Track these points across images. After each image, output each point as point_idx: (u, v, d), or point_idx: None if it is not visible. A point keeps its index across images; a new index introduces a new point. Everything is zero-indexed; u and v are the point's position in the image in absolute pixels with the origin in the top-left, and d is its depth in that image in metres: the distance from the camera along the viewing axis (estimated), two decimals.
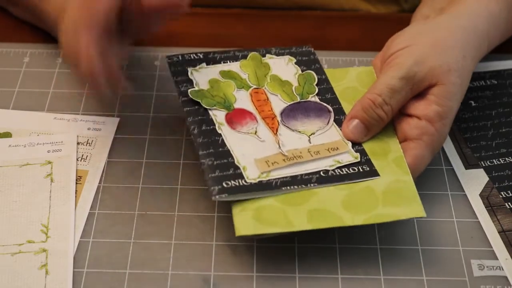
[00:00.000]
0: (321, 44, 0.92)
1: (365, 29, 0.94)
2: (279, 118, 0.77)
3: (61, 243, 0.72)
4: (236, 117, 0.76)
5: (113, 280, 0.70)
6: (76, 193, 0.76)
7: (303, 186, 0.71)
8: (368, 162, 0.73)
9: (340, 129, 0.76)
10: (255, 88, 0.79)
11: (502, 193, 0.77)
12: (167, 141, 0.81)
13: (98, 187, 0.77)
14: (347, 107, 0.77)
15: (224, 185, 0.70)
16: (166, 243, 0.73)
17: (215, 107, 0.76)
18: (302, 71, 0.81)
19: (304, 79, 0.80)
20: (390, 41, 0.78)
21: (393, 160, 0.74)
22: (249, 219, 0.69)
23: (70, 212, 0.74)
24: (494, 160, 0.80)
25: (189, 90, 0.77)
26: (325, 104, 0.78)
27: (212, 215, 0.75)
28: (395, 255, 0.72)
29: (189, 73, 0.78)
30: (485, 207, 0.76)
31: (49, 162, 0.78)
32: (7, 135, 0.81)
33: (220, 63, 0.80)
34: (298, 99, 0.78)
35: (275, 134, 0.75)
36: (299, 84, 0.79)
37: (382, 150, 0.74)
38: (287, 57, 0.82)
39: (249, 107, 0.77)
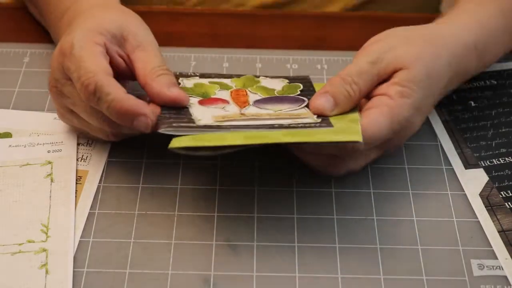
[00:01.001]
0: (321, 44, 0.92)
1: (365, 29, 0.94)
2: (251, 103, 0.77)
3: (61, 243, 0.72)
4: (207, 101, 0.76)
5: (113, 280, 0.70)
6: (76, 193, 0.76)
7: (252, 130, 0.71)
8: (327, 122, 0.73)
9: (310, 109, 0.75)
10: (237, 89, 0.79)
11: (502, 192, 0.77)
12: (167, 141, 0.81)
13: (98, 187, 0.77)
14: None
15: (174, 124, 0.70)
16: (166, 243, 0.73)
17: (192, 96, 0.76)
18: (291, 84, 0.81)
19: (289, 86, 0.80)
20: (369, 40, 0.79)
21: (348, 120, 0.73)
22: (185, 138, 0.69)
23: (70, 212, 0.74)
24: (494, 160, 0.80)
25: None
26: (302, 97, 0.77)
27: (212, 215, 0.75)
28: (395, 255, 0.72)
29: (179, 80, 0.79)
30: (485, 207, 0.76)
31: (49, 162, 0.78)
32: (7, 135, 0.81)
33: (213, 77, 0.81)
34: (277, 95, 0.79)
35: (242, 108, 0.76)
36: (282, 89, 0.80)
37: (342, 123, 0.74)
38: (281, 78, 0.82)
39: (226, 97, 0.77)
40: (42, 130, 0.81)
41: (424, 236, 0.74)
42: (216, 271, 0.71)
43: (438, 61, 0.76)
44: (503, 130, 0.83)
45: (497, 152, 0.81)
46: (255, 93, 0.78)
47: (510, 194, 0.77)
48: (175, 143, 0.69)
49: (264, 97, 0.78)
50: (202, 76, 0.81)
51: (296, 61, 0.91)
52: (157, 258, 0.72)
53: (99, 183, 0.77)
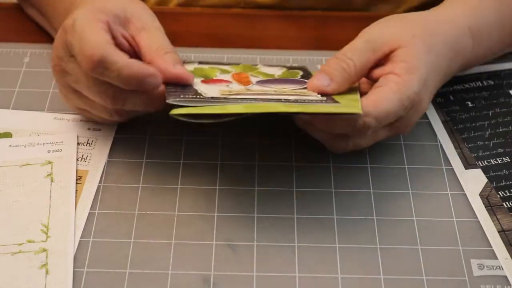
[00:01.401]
0: (321, 44, 0.93)
1: None
2: (253, 82, 0.77)
3: (61, 243, 0.72)
4: (211, 80, 0.77)
5: (113, 280, 0.70)
6: (76, 193, 0.76)
7: (257, 102, 0.71)
8: (332, 99, 0.73)
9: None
10: (238, 72, 0.79)
11: (500, 192, 0.77)
12: (167, 141, 0.81)
13: (98, 187, 0.77)
14: None
15: (181, 96, 0.71)
16: (166, 243, 0.73)
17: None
18: (290, 71, 0.81)
19: (289, 73, 0.80)
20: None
21: (349, 100, 0.74)
22: (186, 108, 0.70)
23: (70, 212, 0.74)
24: (491, 160, 0.80)
25: None
26: (303, 80, 0.78)
27: (212, 215, 0.75)
28: (395, 255, 0.72)
29: None
30: (485, 207, 0.76)
31: (49, 162, 0.78)
32: (7, 135, 0.81)
33: (212, 64, 0.81)
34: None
35: (245, 86, 0.76)
36: (283, 74, 0.80)
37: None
38: (280, 67, 0.82)
39: (228, 79, 0.78)
40: (42, 130, 0.81)
41: (424, 236, 0.74)
42: (216, 271, 0.71)
43: (434, 40, 0.77)
44: (500, 130, 0.83)
45: (494, 152, 0.81)
46: (257, 76, 0.79)
47: (508, 194, 0.77)
48: (176, 110, 0.69)
49: (266, 78, 0.78)
50: (201, 63, 0.81)
51: (296, 61, 0.91)
52: (157, 258, 0.72)
53: (99, 183, 0.77)
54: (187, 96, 0.71)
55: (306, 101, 0.72)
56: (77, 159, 0.79)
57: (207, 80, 0.77)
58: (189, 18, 0.95)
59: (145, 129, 0.82)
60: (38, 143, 0.80)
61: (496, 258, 0.72)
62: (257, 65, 0.82)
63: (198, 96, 0.72)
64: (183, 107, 0.69)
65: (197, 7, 0.98)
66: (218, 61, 0.86)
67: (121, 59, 0.72)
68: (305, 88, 0.76)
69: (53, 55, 0.77)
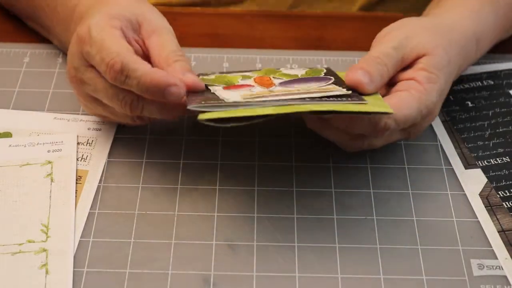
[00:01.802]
0: (321, 44, 0.93)
1: (365, 29, 0.94)
2: (276, 84, 0.76)
3: (61, 243, 0.72)
4: (233, 86, 0.75)
5: (113, 280, 0.70)
6: (76, 193, 0.76)
7: (281, 103, 0.70)
8: (358, 96, 0.72)
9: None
10: (260, 76, 0.78)
11: (499, 192, 0.77)
12: (167, 141, 0.81)
13: (98, 187, 0.77)
14: None
15: (202, 102, 0.70)
16: (166, 243, 0.73)
17: (215, 85, 0.75)
18: (314, 69, 0.80)
19: (312, 71, 0.79)
20: (382, 30, 0.80)
21: (373, 98, 0.73)
22: (214, 112, 0.69)
23: (70, 212, 0.74)
24: (491, 160, 0.80)
25: None
26: (328, 76, 0.77)
27: (212, 215, 0.75)
28: (395, 254, 0.72)
29: (199, 77, 0.77)
30: (485, 207, 0.76)
31: (49, 162, 0.78)
32: (7, 135, 0.81)
33: (233, 74, 0.80)
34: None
35: (268, 88, 0.75)
36: (306, 73, 0.78)
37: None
38: (302, 68, 0.81)
39: (250, 83, 0.76)
40: (42, 130, 0.81)
41: (424, 236, 0.74)
42: (216, 271, 0.71)
43: (452, 49, 0.78)
44: (500, 130, 0.83)
45: (494, 152, 0.81)
46: (279, 78, 0.77)
47: (508, 194, 0.77)
48: (205, 115, 0.67)
49: (289, 79, 0.77)
50: (222, 73, 0.79)
51: (296, 61, 0.91)
52: (157, 258, 0.72)
53: (99, 183, 0.77)
54: (209, 102, 0.70)
55: (332, 98, 0.71)
56: (77, 159, 0.79)
57: (229, 86, 0.75)
58: (189, 18, 0.95)
59: (145, 129, 0.82)
60: (38, 143, 0.80)
61: (496, 258, 0.72)
62: (279, 68, 0.81)
63: (220, 102, 0.70)
64: (210, 112, 0.68)
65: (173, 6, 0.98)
66: (238, 69, 0.84)
67: (142, 67, 0.71)
68: (330, 84, 0.75)
69: (68, 66, 0.77)
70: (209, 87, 0.75)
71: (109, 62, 0.71)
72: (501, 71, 0.90)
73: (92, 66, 0.74)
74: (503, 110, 0.85)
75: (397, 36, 0.77)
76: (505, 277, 0.71)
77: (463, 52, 0.80)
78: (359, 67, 0.75)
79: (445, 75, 0.76)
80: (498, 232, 0.74)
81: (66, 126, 0.82)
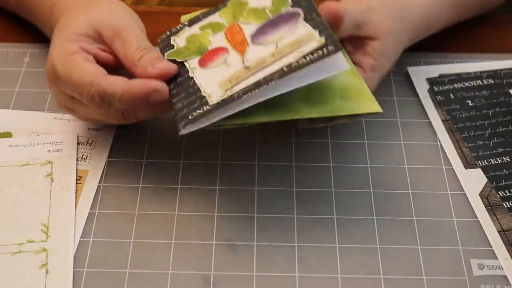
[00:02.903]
0: None
1: None
2: (249, 41, 0.74)
3: (61, 243, 0.72)
4: (207, 57, 0.74)
5: (113, 280, 0.70)
6: (76, 193, 0.76)
7: (265, 86, 0.68)
8: (335, 43, 0.68)
9: (310, 24, 0.72)
10: (229, 26, 0.76)
11: (499, 192, 0.77)
12: (167, 141, 0.81)
13: (98, 187, 0.77)
14: None
15: (190, 117, 0.69)
16: (166, 243, 0.73)
17: (189, 57, 0.75)
18: None
19: (278, 0, 0.76)
20: None
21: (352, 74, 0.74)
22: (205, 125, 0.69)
23: (70, 212, 0.74)
24: (491, 159, 0.80)
25: (165, 53, 0.75)
26: (295, 9, 0.74)
27: (212, 214, 0.75)
28: (395, 254, 0.72)
29: (171, 41, 0.77)
30: (485, 207, 0.76)
31: (49, 162, 0.78)
32: (7, 135, 0.81)
33: (201, 20, 0.78)
34: (270, 17, 0.74)
35: (243, 54, 0.73)
36: (273, 4, 0.76)
37: None
38: None
39: (222, 44, 0.75)
40: (42, 130, 0.81)
41: (424, 236, 0.74)
42: (216, 271, 0.71)
43: (404, 35, 0.83)
44: (500, 129, 0.83)
45: (494, 151, 0.81)
46: (248, 23, 0.75)
47: (508, 194, 0.77)
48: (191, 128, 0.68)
49: (258, 26, 0.74)
50: (191, 23, 0.78)
51: None
52: (157, 258, 0.72)
53: (99, 183, 0.77)
54: (195, 112, 0.69)
55: (309, 58, 0.68)
56: (77, 159, 0.79)
57: (204, 58, 0.74)
58: None
59: (145, 129, 0.82)
60: (38, 143, 0.80)
61: (496, 258, 0.72)
62: None
63: (205, 108, 0.69)
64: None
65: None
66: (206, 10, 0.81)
67: (118, 87, 0.71)
68: (300, 24, 0.72)
69: (55, 98, 0.77)
70: (184, 63, 0.74)
71: (87, 97, 0.72)
72: (501, 70, 0.90)
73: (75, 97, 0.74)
74: (503, 109, 0.85)
75: (355, 10, 0.78)
76: (505, 277, 0.71)
77: (413, 35, 0.85)
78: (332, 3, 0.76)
79: (389, 62, 0.81)
80: (498, 232, 0.74)
81: (66, 126, 0.82)
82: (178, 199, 0.76)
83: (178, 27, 0.79)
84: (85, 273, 0.70)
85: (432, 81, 0.88)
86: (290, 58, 0.69)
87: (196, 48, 0.75)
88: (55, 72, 0.74)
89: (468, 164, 0.80)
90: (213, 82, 0.71)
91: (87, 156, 0.79)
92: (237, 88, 0.69)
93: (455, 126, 0.83)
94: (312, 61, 0.67)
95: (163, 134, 0.82)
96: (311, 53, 0.68)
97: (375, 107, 0.71)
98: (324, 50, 0.68)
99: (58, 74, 0.73)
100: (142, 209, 0.75)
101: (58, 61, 0.73)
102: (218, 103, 0.69)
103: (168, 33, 0.79)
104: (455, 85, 0.88)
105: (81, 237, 0.73)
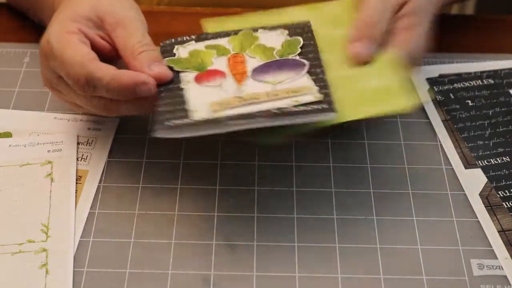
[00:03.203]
0: None
1: None
2: (249, 74, 0.74)
3: (61, 243, 0.72)
4: (205, 75, 0.74)
5: (113, 280, 0.70)
6: (76, 193, 0.76)
7: (251, 120, 0.68)
8: (330, 103, 0.69)
9: (312, 79, 0.72)
10: (235, 53, 0.76)
11: (499, 192, 0.77)
12: (167, 141, 0.81)
13: (98, 187, 0.77)
14: (329, 59, 0.75)
15: (167, 123, 0.68)
16: (166, 243, 0.73)
17: (187, 70, 0.74)
18: (291, 38, 0.77)
19: (289, 43, 0.77)
20: None
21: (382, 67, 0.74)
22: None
23: (70, 212, 0.74)
24: (491, 159, 0.80)
25: (165, 59, 0.75)
26: (302, 60, 0.74)
27: (212, 214, 0.75)
28: (395, 255, 0.72)
29: (174, 49, 0.77)
30: (485, 207, 0.76)
31: (49, 162, 0.78)
32: (7, 135, 0.81)
33: (209, 39, 0.78)
34: (276, 58, 0.75)
35: (240, 84, 0.72)
36: (282, 47, 0.76)
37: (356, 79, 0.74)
38: (280, 29, 0.78)
39: (223, 68, 0.74)
40: (42, 130, 0.81)
41: (424, 236, 0.74)
42: (216, 271, 0.71)
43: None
44: (500, 129, 0.83)
45: (494, 151, 0.81)
46: (254, 57, 0.75)
47: (508, 194, 0.77)
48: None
49: (262, 62, 0.74)
50: (199, 39, 0.78)
51: None
52: (157, 258, 0.72)
53: (99, 183, 0.77)
54: (175, 121, 0.68)
55: (301, 109, 0.68)
56: (77, 159, 0.79)
57: (200, 76, 0.73)
58: (189, 18, 0.95)
59: (145, 129, 0.82)
60: (38, 143, 0.80)
61: (496, 258, 0.72)
62: (257, 29, 0.78)
63: (186, 121, 0.68)
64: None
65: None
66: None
67: (107, 73, 0.70)
68: (303, 74, 0.72)
69: (42, 76, 0.77)
70: (180, 74, 0.74)
71: (73, 77, 0.71)
72: (501, 70, 0.90)
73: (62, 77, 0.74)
74: (503, 109, 0.85)
75: None
76: (505, 277, 0.71)
77: None
78: (355, 38, 0.75)
79: (429, 12, 0.79)
80: (498, 232, 0.74)
81: (66, 126, 0.82)
82: (178, 199, 0.76)
83: (185, 38, 0.78)
84: (85, 273, 0.70)
85: (432, 81, 0.88)
86: (283, 103, 0.69)
87: (196, 63, 0.75)
88: (48, 47, 0.73)
89: (468, 164, 0.80)
90: (203, 101, 0.71)
91: (87, 156, 0.79)
92: (225, 114, 0.69)
93: (455, 126, 0.83)
94: (305, 112, 0.68)
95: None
96: (306, 104, 0.69)
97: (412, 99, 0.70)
98: (320, 106, 0.69)
99: (52, 49, 0.73)
100: (142, 209, 0.75)
101: (54, 37, 0.73)
102: (202, 121, 0.68)
103: (173, 40, 0.78)
104: (455, 85, 0.88)
105: (81, 237, 0.73)
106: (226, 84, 0.73)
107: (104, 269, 0.71)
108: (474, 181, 0.78)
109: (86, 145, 0.80)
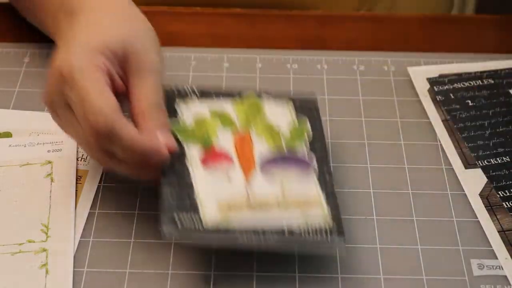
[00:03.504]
0: (321, 44, 0.92)
1: (365, 29, 0.94)
2: (257, 162, 0.73)
3: (61, 243, 0.72)
4: (210, 158, 0.73)
5: (113, 280, 0.70)
6: (76, 193, 0.76)
7: (262, 236, 0.68)
8: (340, 230, 0.69)
9: (318, 180, 0.72)
10: (240, 130, 0.75)
11: (499, 192, 0.77)
12: None
13: (98, 187, 0.77)
14: None
15: (177, 221, 0.68)
16: (166, 243, 0.73)
17: (192, 143, 0.73)
18: (298, 119, 0.77)
19: (296, 131, 0.76)
20: None
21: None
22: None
23: (70, 212, 0.74)
24: (491, 159, 0.80)
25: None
26: (310, 156, 0.74)
27: None
28: (394, 254, 0.72)
29: (176, 104, 0.76)
30: (485, 207, 0.76)
31: (49, 162, 0.78)
32: (7, 135, 0.81)
33: (213, 98, 0.77)
34: (284, 146, 0.74)
35: (247, 177, 0.72)
36: (290, 134, 0.76)
37: None
38: (285, 100, 0.78)
39: (229, 147, 0.73)
40: (42, 130, 0.81)
41: (424, 236, 0.74)
42: (216, 271, 0.71)
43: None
44: (500, 129, 0.83)
45: (494, 151, 0.81)
46: (260, 138, 0.74)
47: (508, 194, 0.77)
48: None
49: (269, 150, 0.74)
50: (202, 94, 0.77)
51: (296, 61, 0.91)
52: (157, 258, 0.72)
53: (99, 183, 0.77)
54: (186, 221, 0.68)
55: (310, 236, 0.68)
56: (77, 159, 0.79)
57: (207, 157, 0.72)
58: (189, 18, 0.95)
59: None
60: (38, 143, 0.80)
61: (496, 258, 0.72)
62: (262, 96, 0.78)
63: (197, 226, 0.67)
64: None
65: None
66: (218, 85, 0.80)
67: (128, 135, 0.67)
68: (310, 177, 0.72)
69: (45, 93, 0.71)
70: (183, 145, 0.73)
71: (92, 123, 0.66)
72: (501, 70, 0.90)
73: (71, 108, 0.69)
74: (503, 109, 0.85)
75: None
76: (505, 277, 0.71)
77: None
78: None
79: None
80: (498, 232, 0.74)
81: None
82: None
83: (187, 91, 0.77)
84: (85, 273, 0.70)
85: (432, 81, 0.88)
86: (293, 218, 0.69)
87: (201, 137, 0.74)
88: (69, 73, 0.68)
89: (468, 164, 0.80)
90: (210, 194, 0.70)
91: (87, 156, 0.79)
92: (235, 221, 0.68)
93: (455, 126, 0.83)
94: (314, 242, 0.68)
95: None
96: (316, 232, 0.69)
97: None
98: (329, 236, 0.69)
99: (73, 79, 0.68)
100: (142, 209, 0.75)
101: (78, 64, 0.68)
102: (212, 230, 0.68)
103: (174, 89, 0.77)
104: (455, 85, 0.88)
105: (81, 237, 0.73)
106: (234, 174, 0.72)
107: (104, 269, 0.71)
108: (474, 181, 0.78)
109: None
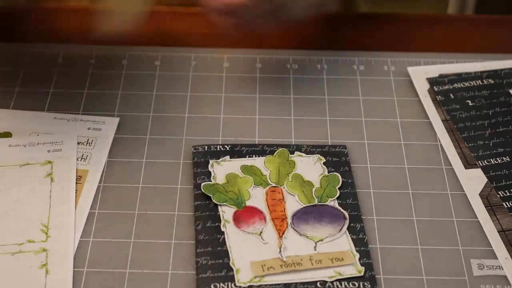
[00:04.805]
0: (321, 44, 0.92)
1: (365, 29, 0.94)
2: (289, 220, 0.73)
3: (61, 243, 0.72)
4: (244, 215, 0.74)
5: (113, 280, 0.70)
6: (76, 193, 0.76)
7: None
8: (372, 279, 0.70)
9: (352, 238, 0.72)
10: (272, 187, 0.76)
11: (499, 192, 0.77)
12: (167, 141, 0.81)
13: (98, 187, 0.77)
14: None
15: (212, 285, 0.69)
16: (166, 243, 0.73)
17: (225, 203, 0.74)
18: (329, 172, 0.77)
19: (327, 181, 0.77)
20: None
21: None
22: None
23: (70, 212, 0.74)
24: (491, 159, 0.80)
25: (202, 184, 0.75)
26: (342, 210, 0.74)
27: None
28: (395, 254, 0.72)
29: (209, 166, 0.77)
30: (485, 207, 0.76)
31: (49, 162, 0.78)
32: (7, 135, 0.81)
33: (245, 157, 0.78)
34: (316, 202, 0.75)
35: (280, 237, 0.72)
36: (321, 186, 0.76)
37: None
38: (317, 156, 0.79)
39: (262, 205, 0.74)
40: (42, 130, 0.81)
41: (424, 236, 0.74)
42: None
43: None
44: (500, 129, 0.83)
45: (494, 151, 0.81)
46: (293, 195, 0.75)
47: (508, 194, 0.77)
48: None
49: (302, 204, 0.74)
50: (233, 153, 0.78)
51: (296, 61, 0.91)
52: (157, 258, 0.72)
53: (99, 183, 0.77)
54: (218, 284, 0.69)
55: (343, 284, 0.69)
56: (77, 159, 0.79)
57: (239, 216, 0.73)
58: (189, 18, 0.95)
59: (145, 129, 0.82)
60: (38, 143, 0.80)
61: (496, 258, 0.72)
62: (293, 151, 0.79)
63: (231, 286, 0.68)
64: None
65: None
66: (252, 143, 0.81)
67: None
68: (342, 230, 0.73)
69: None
70: (218, 206, 0.74)
71: None
72: (501, 70, 0.90)
73: None
74: (503, 109, 0.85)
75: None
76: (505, 277, 0.71)
77: None
78: None
79: None
80: (498, 232, 0.74)
81: (66, 126, 0.82)
82: (178, 199, 0.76)
83: (218, 148, 0.79)
84: (85, 273, 0.70)
85: (432, 81, 0.88)
86: (327, 273, 0.70)
87: (234, 197, 0.75)
88: None
89: (468, 164, 0.80)
90: (244, 256, 0.71)
91: (87, 156, 0.79)
92: (268, 280, 0.69)
93: (455, 126, 0.83)
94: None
95: (163, 134, 0.82)
96: (348, 280, 0.69)
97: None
98: (361, 284, 0.69)
99: None
100: (142, 209, 0.75)
101: None
102: None
103: (206, 148, 0.79)
104: (455, 85, 0.88)
105: (81, 237, 0.73)
106: (266, 233, 0.72)
107: (104, 269, 0.71)
108: (474, 181, 0.78)
109: (86, 145, 0.80)
